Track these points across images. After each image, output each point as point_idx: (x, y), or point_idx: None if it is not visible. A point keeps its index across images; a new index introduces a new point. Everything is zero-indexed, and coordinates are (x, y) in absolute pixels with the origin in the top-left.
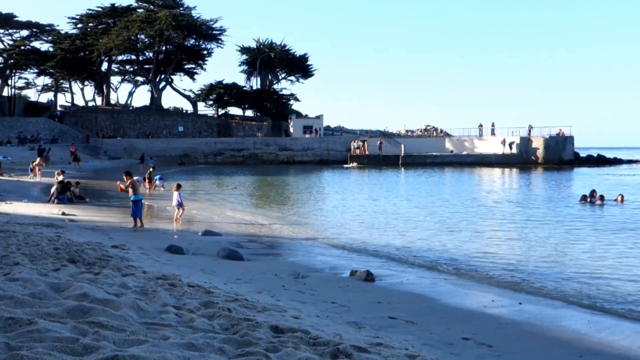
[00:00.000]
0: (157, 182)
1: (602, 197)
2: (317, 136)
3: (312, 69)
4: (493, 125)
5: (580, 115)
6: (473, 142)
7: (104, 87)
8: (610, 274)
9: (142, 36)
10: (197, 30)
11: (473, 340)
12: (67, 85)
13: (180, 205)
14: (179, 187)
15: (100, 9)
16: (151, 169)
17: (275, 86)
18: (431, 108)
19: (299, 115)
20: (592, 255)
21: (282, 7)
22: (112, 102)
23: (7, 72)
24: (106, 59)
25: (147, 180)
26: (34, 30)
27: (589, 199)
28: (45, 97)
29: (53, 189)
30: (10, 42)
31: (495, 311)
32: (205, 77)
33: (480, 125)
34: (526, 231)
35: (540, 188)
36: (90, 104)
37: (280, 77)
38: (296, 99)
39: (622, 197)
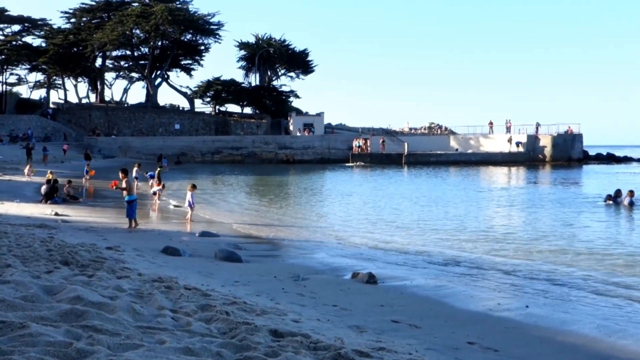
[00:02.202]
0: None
1: (632, 193)
2: (309, 134)
3: (313, 65)
4: (508, 122)
5: (589, 113)
6: (479, 140)
7: (98, 84)
8: (627, 282)
9: (138, 31)
10: (194, 25)
11: (478, 344)
12: (60, 82)
13: (190, 205)
14: (194, 187)
15: (94, 3)
16: (159, 169)
17: (274, 82)
18: (435, 106)
19: (299, 112)
20: (604, 261)
21: (282, 1)
22: (107, 99)
23: None
24: (100, 54)
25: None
26: (26, 25)
27: (613, 199)
28: (38, 94)
29: (43, 190)
30: (2, 37)
31: (502, 314)
32: (203, 73)
33: (491, 123)
34: (537, 234)
35: (554, 187)
36: (84, 101)
37: (279, 74)
38: (296, 96)
39: None
